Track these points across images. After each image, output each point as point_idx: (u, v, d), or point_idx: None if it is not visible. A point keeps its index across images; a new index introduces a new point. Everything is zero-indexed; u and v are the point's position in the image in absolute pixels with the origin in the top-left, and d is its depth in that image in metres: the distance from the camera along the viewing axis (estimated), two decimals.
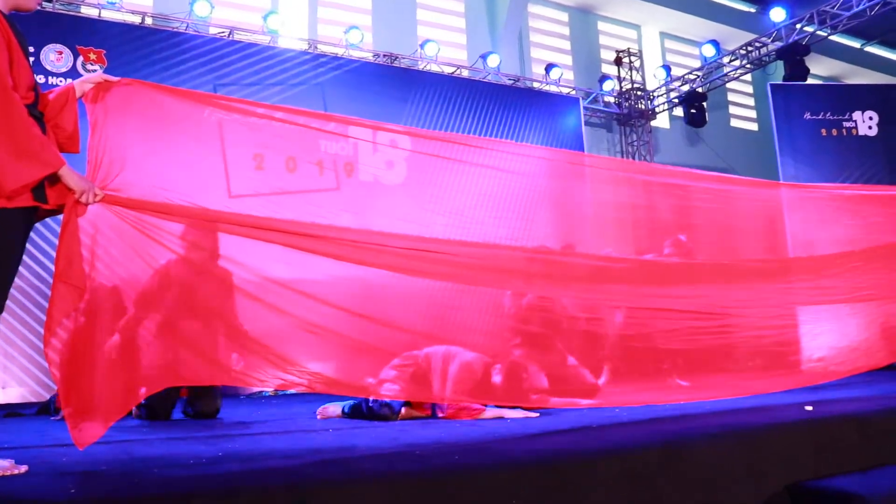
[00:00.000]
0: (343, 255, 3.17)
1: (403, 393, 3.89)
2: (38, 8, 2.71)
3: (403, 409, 4.23)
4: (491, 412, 4.18)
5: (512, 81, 11.27)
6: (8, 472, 2.28)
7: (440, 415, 4.18)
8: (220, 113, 3.22)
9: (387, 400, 4.28)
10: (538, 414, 4.22)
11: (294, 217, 3.16)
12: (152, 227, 2.82)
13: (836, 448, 3.21)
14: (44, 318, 7.46)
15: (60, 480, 2.19)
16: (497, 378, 4.18)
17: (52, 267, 7.91)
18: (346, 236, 3.19)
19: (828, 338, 4.49)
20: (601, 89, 12.60)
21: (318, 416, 4.46)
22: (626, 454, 2.68)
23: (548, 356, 4.04)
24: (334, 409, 4.48)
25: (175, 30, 8.96)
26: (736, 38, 13.54)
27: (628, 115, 13.16)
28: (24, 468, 2.33)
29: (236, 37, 9.27)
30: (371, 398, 4.33)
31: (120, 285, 2.85)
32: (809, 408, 3.71)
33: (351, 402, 4.46)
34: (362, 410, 4.32)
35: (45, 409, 5.58)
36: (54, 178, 2.52)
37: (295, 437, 3.50)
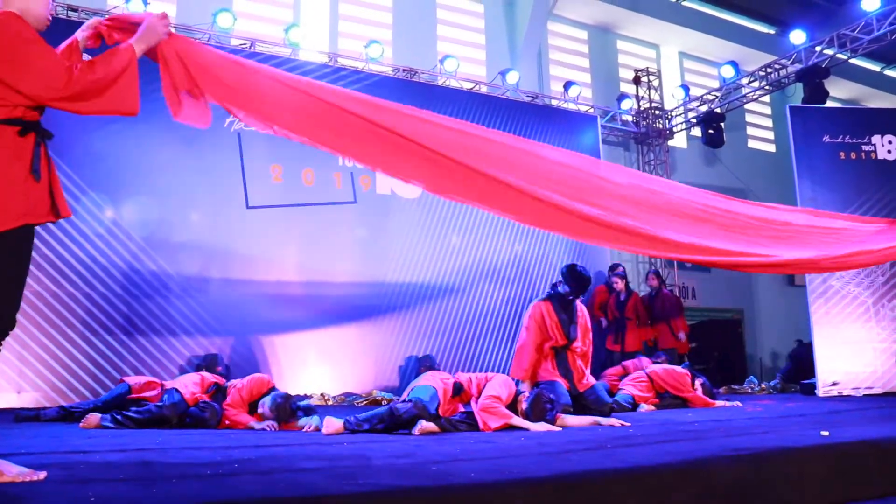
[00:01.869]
0: None
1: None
2: (65, 17, 2.75)
3: (421, 423, 4.23)
4: (517, 420, 4.46)
5: (530, 98, 11.31)
6: (27, 478, 2.29)
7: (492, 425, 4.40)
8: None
9: (413, 399, 4.36)
10: (560, 428, 4.52)
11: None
12: None
13: (854, 474, 3.18)
14: (59, 323, 7.45)
15: (80, 488, 2.20)
16: (525, 405, 4.58)
17: (65, 273, 7.82)
18: None
19: None
20: (619, 108, 12.61)
21: (324, 432, 4.36)
22: (641, 474, 2.67)
23: None
24: (337, 423, 4.39)
25: (198, 41, 9.05)
26: (755, 59, 13.57)
27: (646, 134, 13.16)
28: (42, 474, 2.35)
29: (258, 48, 9.35)
30: (398, 403, 4.36)
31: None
32: (825, 433, 3.68)
33: (367, 413, 4.45)
34: (383, 418, 4.32)
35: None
36: None
37: (309, 450, 3.50)
